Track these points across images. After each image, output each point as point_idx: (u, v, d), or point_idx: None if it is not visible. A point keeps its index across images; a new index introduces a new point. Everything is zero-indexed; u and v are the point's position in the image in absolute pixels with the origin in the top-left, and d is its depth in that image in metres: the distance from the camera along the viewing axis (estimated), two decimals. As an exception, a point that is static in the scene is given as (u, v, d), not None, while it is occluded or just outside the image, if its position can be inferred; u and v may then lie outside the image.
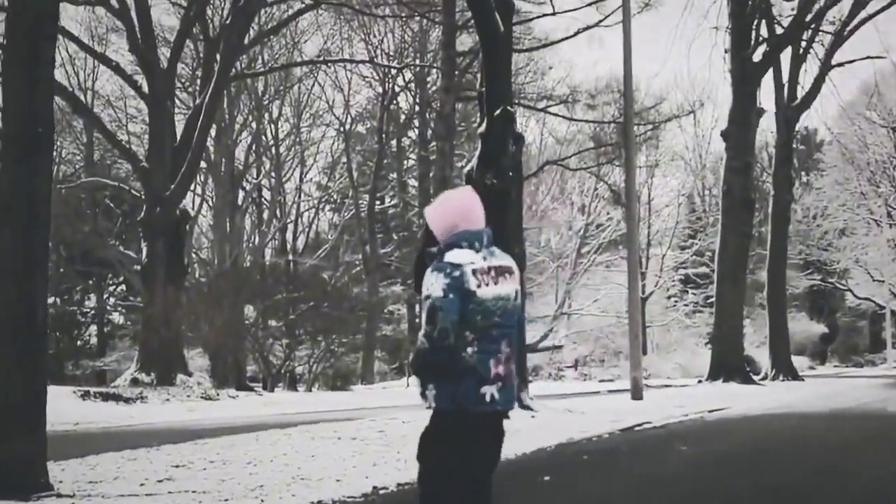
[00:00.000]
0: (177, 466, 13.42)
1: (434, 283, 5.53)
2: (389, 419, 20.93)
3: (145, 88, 39.84)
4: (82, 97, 47.91)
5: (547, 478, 12.15)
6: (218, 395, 35.02)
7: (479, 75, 26.88)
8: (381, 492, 11.11)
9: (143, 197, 38.96)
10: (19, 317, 11.05)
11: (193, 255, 54.83)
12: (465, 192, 6.01)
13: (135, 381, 35.84)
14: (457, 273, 5.54)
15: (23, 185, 11.17)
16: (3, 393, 11.00)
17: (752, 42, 43.44)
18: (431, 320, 5.48)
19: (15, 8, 11.73)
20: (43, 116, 11.50)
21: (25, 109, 11.29)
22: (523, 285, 7.57)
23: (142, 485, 11.70)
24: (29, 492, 10.69)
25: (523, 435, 17.03)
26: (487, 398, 5.65)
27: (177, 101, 46.41)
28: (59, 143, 48.36)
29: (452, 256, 5.65)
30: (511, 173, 23.02)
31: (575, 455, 15.03)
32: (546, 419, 20.46)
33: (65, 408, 25.19)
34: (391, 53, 56.30)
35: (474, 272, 5.63)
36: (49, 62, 11.66)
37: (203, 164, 49.70)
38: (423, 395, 5.73)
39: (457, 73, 41.65)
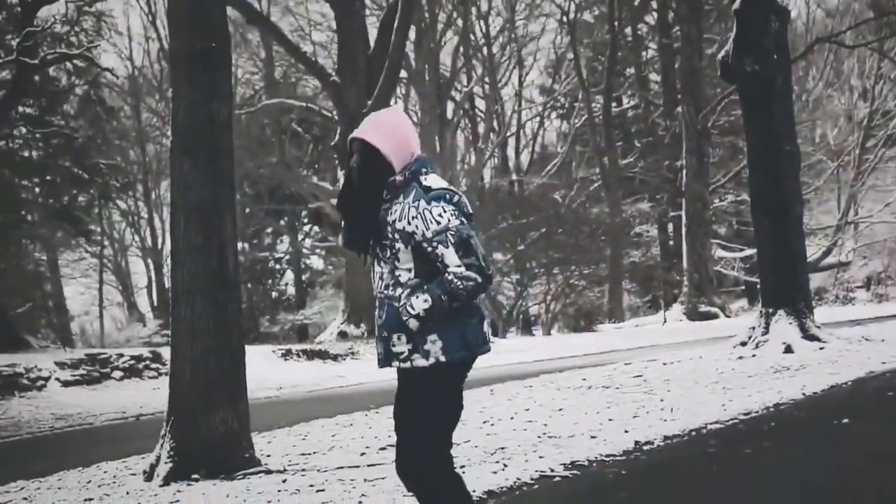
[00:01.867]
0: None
1: (444, 213, 5.77)
2: (647, 361, 20.81)
3: (330, -12, 40.14)
4: (256, 4, 48.68)
5: (846, 420, 11.80)
6: (440, 344, 35.29)
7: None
8: (646, 447, 10.97)
9: (335, 117, 39.45)
10: (208, 265, 11.23)
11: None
12: (403, 114, 6.37)
13: (342, 335, 36.53)
14: (457, 198, 5.87)
15: (200, 110, 11.30)
16: (198, 355, 11.20)
17: None
18: (469, 250, 5.73)
19: None
20: (216, 27, 11.60)
21: (195, 20, 11.41)
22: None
23: (362, 454, 11.84)
24: (234, 468, 10.92)
25: (812, 371, 16.67)
26: (489, 336, 6.08)
27: (367, 0, 46.64)
28: (233, 60, 49.36)
29: (435, 181, 5.96)
30: (775, 56, 22.38)
31: (877, 392, 14.60)
32: (837, 350, 19.94)
33: (265, 370, 25.86)
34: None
35: None
36: (220, -37, 11.78)
37: (403, 74, 50.00)
38: (414, 351, 5.82)
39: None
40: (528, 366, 24.98)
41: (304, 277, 62.79)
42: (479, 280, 5.68)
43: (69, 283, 60.80)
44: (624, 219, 54.84)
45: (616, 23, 57.17)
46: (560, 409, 14.43)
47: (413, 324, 5.72)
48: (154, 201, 62.71)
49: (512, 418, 13.89)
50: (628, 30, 61.32)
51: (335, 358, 31.16)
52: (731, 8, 23.41)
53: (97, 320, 62.61)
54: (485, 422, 13.75)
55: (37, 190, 39.90)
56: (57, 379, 25.94)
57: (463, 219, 5.79)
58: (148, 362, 27.67)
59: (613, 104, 59.86)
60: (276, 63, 56.37)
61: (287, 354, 30.77)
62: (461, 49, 60.03)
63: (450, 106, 59.36)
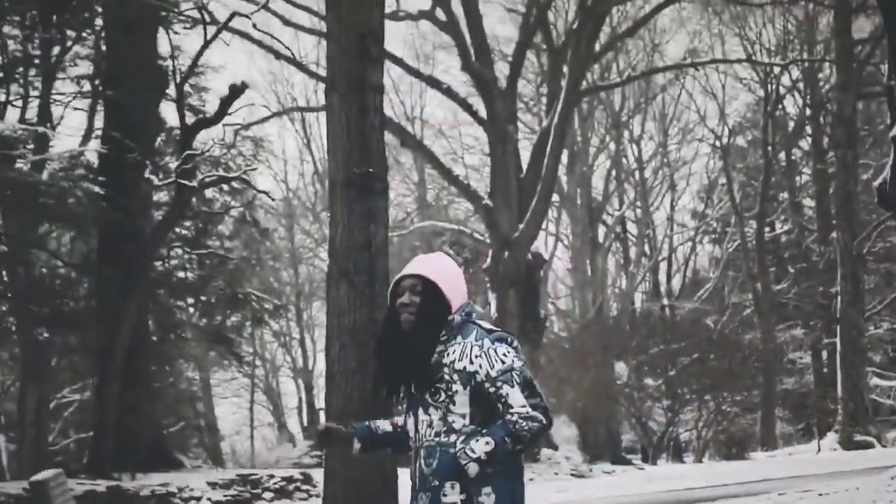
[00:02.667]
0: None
1: (507, 354, 5.67)
2: (802, 492, 20.41)
3: (482, 113, 40.60)
4: (410, 128, 49.34)
5: None
6: (591, 470, 35.17)
7: (884, 66, 26.01)
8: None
9: (486, 240, 39.67)
10: (363, 389, 11.35)
11: (550, 306, 55.40)
12: (451, 258, 6.26)
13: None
14: (516, 343, 5.79)
15: (357, 235, 11.50)
16: (352, 479, 11.29)
17: None
18: (534, 391, 5.65)
19: (336, 29, 12.11)
20: (375, 153, 11.81)
21: (355, 145, 11.62)
22: None
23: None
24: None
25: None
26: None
27: (520, 124, 47.04)
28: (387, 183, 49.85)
29: (489, 325, 5.88)
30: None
31: None
32: None
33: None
34: (772, 48, 55.36)
35: None
36: (378, 88, 11.99)
37: (555, 198, 50.19)
38: (469, 503, 5.54)
39: (855, 65, 40.47)
40: (679, 494, 24.66)
41: (453, 400, 62.80)
42: (544, 421, 5.57)
43: (220, 403, 61.49)
44: (777, 345, 54.06)
45: (770, 147, 56.83)
46: (714, 539, 14.22)
47: (473, 468, 5.40)
48: (306, 322, 63.26)
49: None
50: (782, 154, 60.90)
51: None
52: (887, 134, 23.18)
53: (248, 440, 63.07)
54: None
55: (191, 310, 40.59)
56: (209, 499, 26.23)
57: (524, 361, 5.69)
58: (298, 483, 27.88)
59: (767, 229, 59.32)
60: (429, 186, 57.02)
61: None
62: (613, 173, 60.14)
63: (601, 229, 59.36)
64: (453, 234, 51.39)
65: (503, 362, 5.58)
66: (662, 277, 63.87)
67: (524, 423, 5.49)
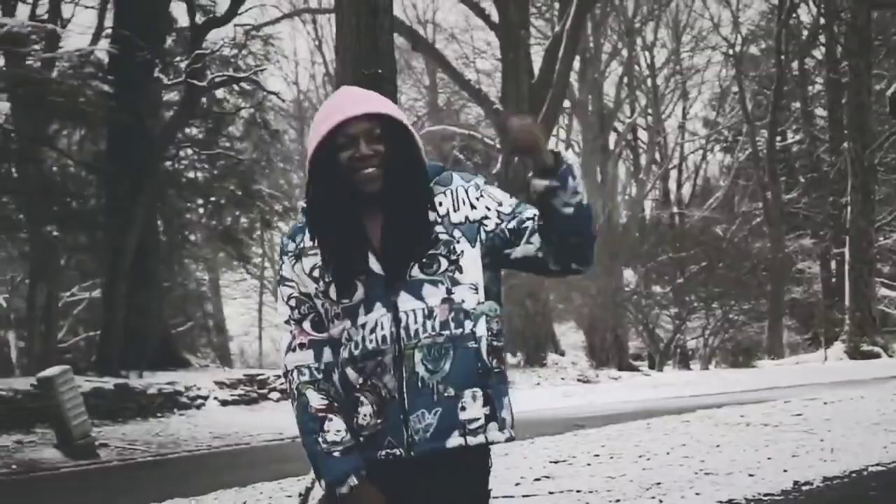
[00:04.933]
0: (556, 462, 13.48)
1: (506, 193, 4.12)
2: (807, 400, 20.43)
3: (494, 17, 40.36)
4: (422, 31, 49.02)
5: None
6: (597, 376, 35.28)
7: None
8: (804, 488, 10.78)
9: (497, 145, 39.54)
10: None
11: (560, 212, 55.29)
12: None
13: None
14: None
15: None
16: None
17: None
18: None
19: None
20: (383, 54, 11.68)
21: (363, 47, 11.49)
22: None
23: (517, 484, 11.78)
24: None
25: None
26: None
27: (532, 29, 46.72)
28: (398, 86, 49.61)
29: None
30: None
31: None
32: None
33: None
34: (788, -46, 54.82)
35: None
36: (388, -12, 11.83)
37: (566, 104, 49.98)
38: (491, 418, 3.89)
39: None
40: (684, 400, 24.71)
41: (461, 304, 62.99)
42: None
43: (229, 304, 61.76)
44: (786, 255, 54.06)
45: (783, 56, 56.43)
46: (717, 446, 14.22)
47: (572, 183, 3.73)
48: (315, 224, 63.21)
49: (668, 453, 13.72)
50: (795, 64, 60.51)
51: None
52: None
53: (256, 341, 63.34)
54: (640, 456, 13.61)
55: (201, 211, 40.58)
56: (215, 398, 26.36)
57: None
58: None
59: (778, 138, 59.05)
60: (440, 90, 56.79)
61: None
62: (625, 80, 59.85)
63: (612, 136, 59.14)
64: (464, 138, 51.26)
65: (510, 195, 4.06)
66: (672, 185, 63.78)
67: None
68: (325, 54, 58.01)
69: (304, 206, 4.00)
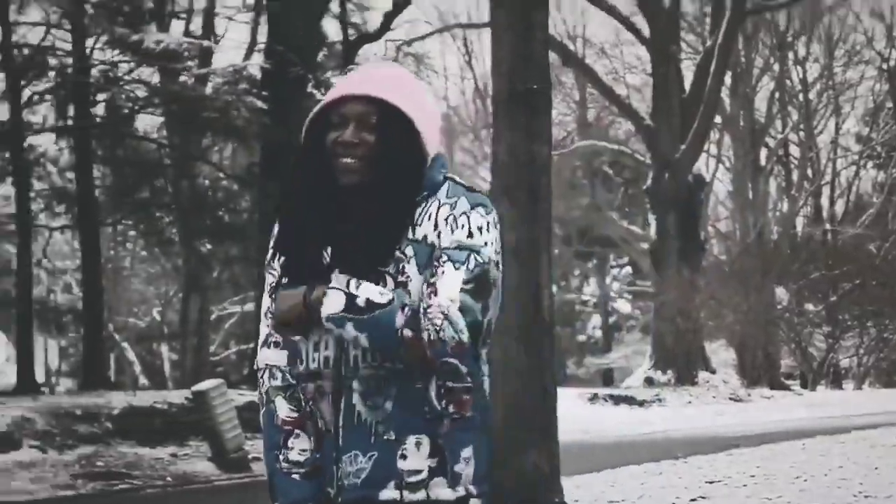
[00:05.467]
0: (711, 482, 13.32)
1: (482, 229, 3.33)
2: (970, 423, 19.99)
3: (645, 32, 40.19)
4: (571, 46, 48.91)
5: None
6: (749, 395, 34.90)
7: None
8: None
9: (647, 161, 39.33)
10: (524, 305, 11.22)
11: (710, 229, 54.79)
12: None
13: (649, 381, 36.37)
14: (496, 218, 3.45)
15: (520, 152, 11.35)
16: (513, 396, 11.20)
17: None
18: (483, 294, 3.23)
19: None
20: (539, 69, 11.64)
21: (519, 63, 11.45)
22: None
23: (672, 504, 11.69)
24: (542, 511, 10.90)
25: None
26: None
27: (683, 44, 46.39)
28: (549, 103, 49.57)
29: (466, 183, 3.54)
30: None
31: None
32: None
33: (572, 413, 25.81)
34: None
35: None
36: (544, 4, 11.81)
37: (717, 119, 49.49)
38: (438, 472, 3.31)
39: None
40: (838, 421, 24.31)
41: (610, 321, 62.65)
42: (463, 338, 3.16)
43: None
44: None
45: (940, 70, 55.39)
46: (875, 468, 13.95)
47: (333, 304, 3.19)
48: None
49: (825, 475, 13.49)
50: (952, 78, 59.38)
51: (641, 404, 30.98)
52: None
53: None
54: (797, 477, 13.41)
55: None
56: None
57: (499, 255, 3.36)
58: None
59: (934, 154, 57.98)
60: (590, 105, 56.55)
61: (594, 398, 30.75)
62: (777, 95, 59.08)
63: (763, 152, 58.45)
64: (613, 153, 51.10)
65: (469, 235, 3.31)
66: (825, 202, 62.73)
67: (436, 322, 3.17)
68: (474, 70, 58.10)
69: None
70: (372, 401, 3.26)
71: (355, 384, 3.28)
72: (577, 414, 26.74)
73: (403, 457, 3.27)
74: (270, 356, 3.46)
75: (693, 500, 11.91)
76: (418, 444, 3.28)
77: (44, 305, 37.37)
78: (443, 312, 3.17)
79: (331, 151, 3.35)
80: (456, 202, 3.37)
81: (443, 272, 3.23)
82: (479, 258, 3.27)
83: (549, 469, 11.25)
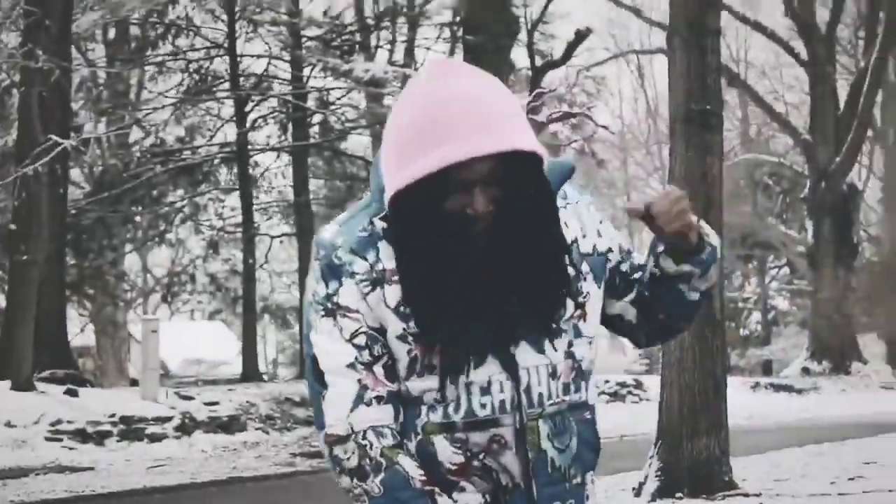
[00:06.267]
0: (867, 463, 13.08)
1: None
2: None
3: (803, 55, 39.60)
4: (735, 68, 48.31)
5: None
6: (899, 383, 34.21)
7: None
8: None
9: (805, 173, 38.77)
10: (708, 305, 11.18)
11: (862, 233, 53.58)
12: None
13: (805, 371, 35.83)
14: None
15: (694, 166, 11.32)
16: (686, 385, 11.19)
17: None
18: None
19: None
20: (712, 92, 11.60)
21: (694, 85, 11.41)
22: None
23: (832, 483, 11.50)
24: (714, 490, 10.91)
25: None
26: None
27: (838, 65, 45.50)
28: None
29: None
30: None
31: None
32: None
33: (737, 400, 25.46)
34: None
35: None
36: (716, 31, 11.76)
37: (869, 133, 48.41)
38: None
39: None
40: None
41: (769, 316, 61.67)
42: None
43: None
44: None
45: None
46: None
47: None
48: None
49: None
50: None
51: (800, 392, 30.52)
52: None
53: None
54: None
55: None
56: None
57: None
58: (631, 388, 27.86)
59: None
60: (751, 121, 55.86)
61: (756, 386, 30.37)
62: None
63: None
64: (773, 165, 50.31)
65: (608, 231, 2.71)
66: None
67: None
68: (646, 91, 57.84)
69: (385, 215, 2.51)
70: (560, 441, 2.56)
71: (541, 425, 2.52)
72: (741, 401, 26.40)
73: (587, 497, 2.65)
74: (374, 415, 2.48)
75: (851, 479, 11.73)
76: (593, 482, 2.68)
77: (266, 304, 38.17)
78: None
79: (450, 221, 2.40)
80: (581, 200, 2.69)
81: (642, 265, 2.68)
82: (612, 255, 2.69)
83: (720, 451, 11.20)
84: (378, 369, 2.49)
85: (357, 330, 2.47)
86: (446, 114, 2.38)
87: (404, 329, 2.45)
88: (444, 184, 2.36)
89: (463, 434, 2.47)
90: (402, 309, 2.44)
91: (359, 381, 2.47)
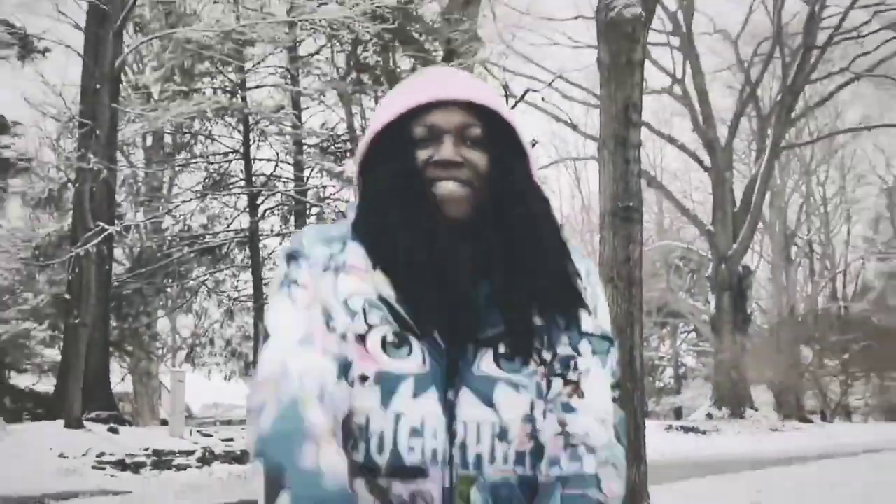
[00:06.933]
0: (759, 491, 13.07)
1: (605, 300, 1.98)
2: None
3: (707, 163, 40.01)
4: (653, 172, 48.77)
5: None
6: (783, 426, 34.19)
7: None
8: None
9: (708, 256, 39.01)
10: (622, 363, 11.21)
11: (755, 305, 53.91)
12: None
13: (709, 416, 35.87)
14: None
15: (619, 252, 11.41)
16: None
17: None
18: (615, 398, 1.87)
19: (607, 101, 12.07)
20: (633, 191, 11.71)
21: (620, 186, 11.53)
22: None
23: (731, 506, 11.49)
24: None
25: None
26: None
27: (735, 171, 46.01)
28: (635, 214, 49.36)
29: None
30: None
31: None
32: None
33: (653, 439, 25.40)
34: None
35: None
36: (637, 145, 11.88)
37: (760, 225, 48.91)
38: None
39: None
40: (850, 447, 23.58)
41: (680, 371, 61.76)
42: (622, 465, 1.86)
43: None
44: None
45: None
46: (878, 481, 13.52)
47: None
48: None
49: (847, 486, 13.13)
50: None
51: (704, 433, 30.45)
52: None
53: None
54: (834, 485, 13.07)
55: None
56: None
57: None
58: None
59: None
60: (666, 215, 56.30)
61: (669, 428, 30.32)
62: (804, 207, 58.27)
63: (793, 249, 57.52)
64: (683, 250, 50.68)
65: (606, 317, 1.93)
66: (839, 285, 61.45)
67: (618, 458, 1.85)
68: (581, 190, 58.23)
69: (354, 208, 1.97)
70: None
71: (475, 494, 1.69)
72: (656, 440, 26.34)
73: None
74: (311, 362, 1.70)
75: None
76: None
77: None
78: (617, 462, 1.83)
79: (422, 174, 1.81)
80: (586, 266, 1.89)
81: (588, 388, 1.79)
82: (612, 347, 1.88)
83: (640, 481, 11.17)
84: (326, 332, 1.74)
85: (310, 303, 1.76)
86: (423, 76, 1.92)
87: (348, 328, 1.73)
88: (412, 132, 1.81)
89: (385, 482, 1.68)
90: (352, 304, 1.74)
91: (305, 331, 1.73)
